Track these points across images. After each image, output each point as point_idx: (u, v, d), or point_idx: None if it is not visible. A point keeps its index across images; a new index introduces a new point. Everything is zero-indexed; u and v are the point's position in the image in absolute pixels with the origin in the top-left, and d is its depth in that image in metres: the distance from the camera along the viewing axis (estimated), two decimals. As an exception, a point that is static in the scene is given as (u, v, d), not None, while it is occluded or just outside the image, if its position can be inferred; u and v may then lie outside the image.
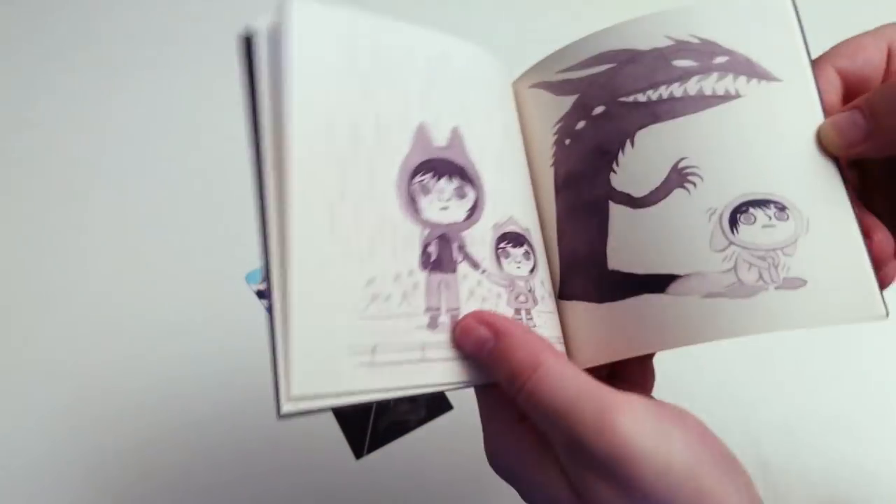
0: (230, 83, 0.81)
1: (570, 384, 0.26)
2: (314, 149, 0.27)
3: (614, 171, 0.31)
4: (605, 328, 0.30)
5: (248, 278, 0.62)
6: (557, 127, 0.33)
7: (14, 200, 0.70)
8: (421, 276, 0.28)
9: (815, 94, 0.31)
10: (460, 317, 0.28)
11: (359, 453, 0.53)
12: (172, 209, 0.68)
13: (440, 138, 0.30)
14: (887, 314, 0.28)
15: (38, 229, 0.67)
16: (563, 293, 0.32)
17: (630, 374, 0.35)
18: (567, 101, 0.33)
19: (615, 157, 0.31)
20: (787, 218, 0.29)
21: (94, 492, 0.53)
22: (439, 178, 0.30)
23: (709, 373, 0.55)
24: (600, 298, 0.31)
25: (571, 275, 0.32)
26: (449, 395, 0.55)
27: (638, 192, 0.30)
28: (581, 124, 0.32)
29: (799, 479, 0.51)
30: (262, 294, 0.61)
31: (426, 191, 0.29)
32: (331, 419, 0.55)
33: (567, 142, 0.32)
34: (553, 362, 0.26)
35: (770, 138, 0.30)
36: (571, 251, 0.32)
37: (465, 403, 0.55)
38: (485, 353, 0.28)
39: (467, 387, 0.29)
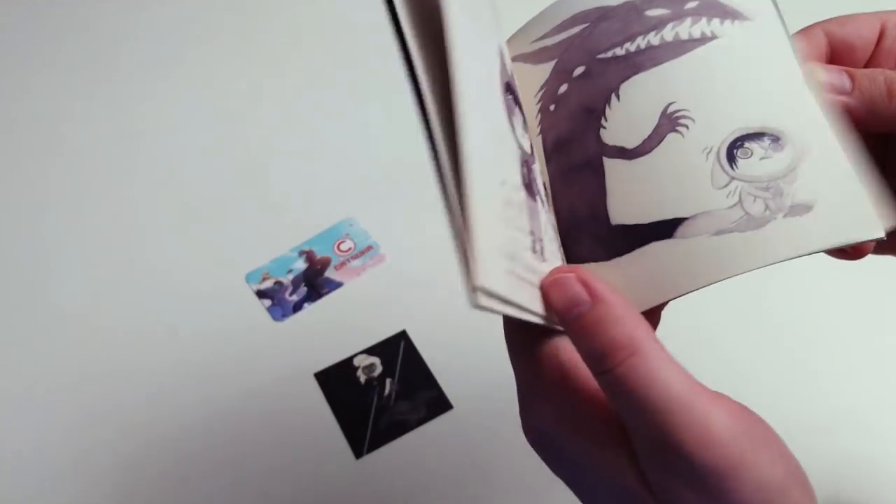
0: (231, 83, 0.82)
1: (670, 381, 0.23)
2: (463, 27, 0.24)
3: (603, 127, 0.31)
4: (617, 284, 0.29)
5: (248, 278, 0.62)
6: (540, 94, 0.33)
7: (13, 200, 0.70)
8: (523, 195, 0.26)
9: (785, 35, 0.31)
10: (545, 253, 0.26)
11: (359, 453, 0.53)
12: (173, 209, 0.68)
13: (506, 69, 0.29)
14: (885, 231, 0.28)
15: (37, 229, 0.67)
16: (569, 258, 0.32)
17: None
18: (546, 68, 0.33)
19: (602, 114, 0.31)
20: (783, 148, 0.29)
21: (94, 492, 0.53)
22: (517, 104, 0.28)
23: (707, 371, 0.55)
24: (608, 255, 0.30)
25: (574, 238, 0.32)
26: (449, 395, 0.55)
27: (630, 143, 0.30)
28: (563, 88, 0.32)
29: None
30: (262, 294, 0.61)
31: (511, 111, 0.27)
32: (331, 419, 0.55)
33: (552, 107, 0.32)
34: (652, 351, 0.24)
35: (753, 74, 0.30)
36: (571, 215, 0.32)
37: (466, 403, 0.55)
38: (573, 316, 0.25)
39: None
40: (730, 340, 0.57)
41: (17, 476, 0.53)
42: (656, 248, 0.29)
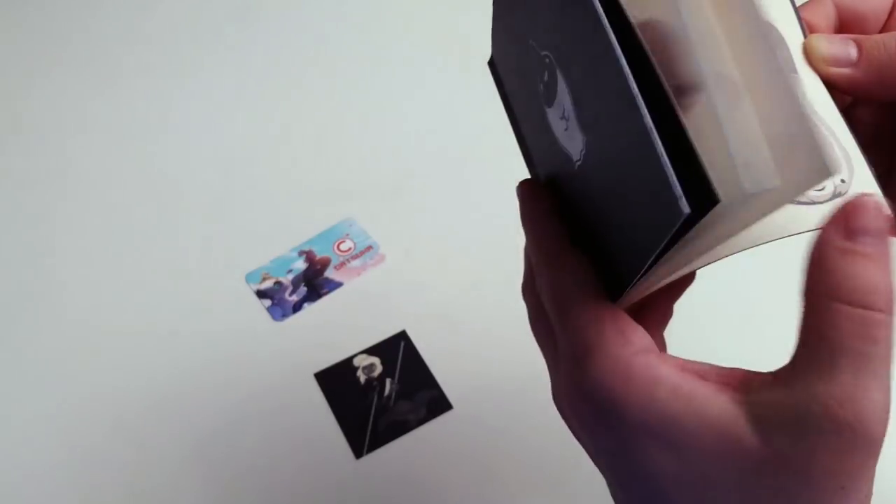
0: (231, 84, 0.82)
1: None
2: None
3: None
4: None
5: (248, 278, 0.62)
6: None
7: (13, 201, 0.70)
8: None
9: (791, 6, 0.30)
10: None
11: (359, 453, 0.53)
12: (172, 209, 0.68)
13: None
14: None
15: (36, 229, 0.67)
16: None
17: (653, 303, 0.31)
18: None
19: None
20: None
21: (94, 492, 0.53)
22: None
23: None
24: None
25: None
26: (449, 395, 0.55)
27: None
28: None
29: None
30: (262, 294, 0.61)
31: None
32: (331, 419, 0.55)
33: None
34: None
35: None
36: None
37: (466, 403, 0.55)
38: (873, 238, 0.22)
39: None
40: (721, 342, 0.57)
41: (18, 476, 0.53)
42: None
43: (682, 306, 0.33)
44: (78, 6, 0.85)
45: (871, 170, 0.29)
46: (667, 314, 0.32)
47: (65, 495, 0.52)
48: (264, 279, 0.62)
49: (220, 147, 0.72)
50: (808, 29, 0.30)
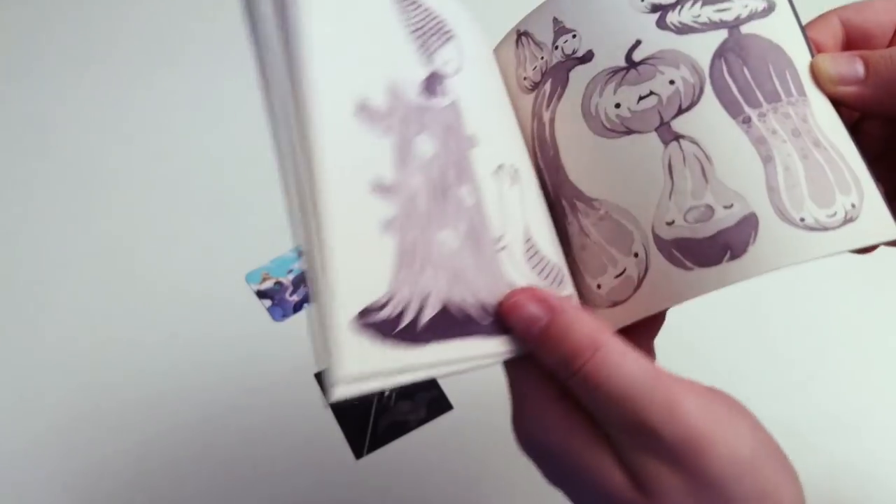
0: (231, 84, 0.82)
1: (635, 367, 0.25)
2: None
3: None
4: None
5: (249, 278, 0.62)
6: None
7: (12, 202, 0.70)
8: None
9: (797, 24, 0.31)
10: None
11: (359, 453, 0.53)
12: (172, 209, 0.68)
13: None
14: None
15: (35, 230, 0.67)
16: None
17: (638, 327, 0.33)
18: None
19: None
20: None
21: (94, 492, 0.53)
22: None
23: (705, 371, 0.55)
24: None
25: None
26: (449, 395, 0.55)
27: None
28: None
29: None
30: (262, 294, 0.61)
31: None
32: (331, 419, 0.55)
33: None
34: (614, 345, 0.25)
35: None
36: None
37: (466, 403, 0.55)
38: (535, 333, 0.26)
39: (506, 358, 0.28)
40: (721, 343, 0.57)
41: (18, 477, 0.53)
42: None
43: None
44: (76, 4, 0.85)
45: (881, 190, 0.29)
46: (658, 321, 0.33)
47: (65, 495, 0.52)
48: (264, 279, 0.62)
49: (220, 147, 0.72)
50: (815, 48, 0.30)
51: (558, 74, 0.32)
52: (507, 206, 0.30)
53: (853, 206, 0.28)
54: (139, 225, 0.67)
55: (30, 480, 0.53)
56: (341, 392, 0.22)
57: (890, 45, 0.31)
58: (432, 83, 0.29)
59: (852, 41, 0.31)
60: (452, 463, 0.52)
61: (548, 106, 0.33)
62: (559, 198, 0.32)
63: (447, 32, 0.31)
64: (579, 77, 0.32)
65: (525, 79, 0.34)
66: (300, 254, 0.24)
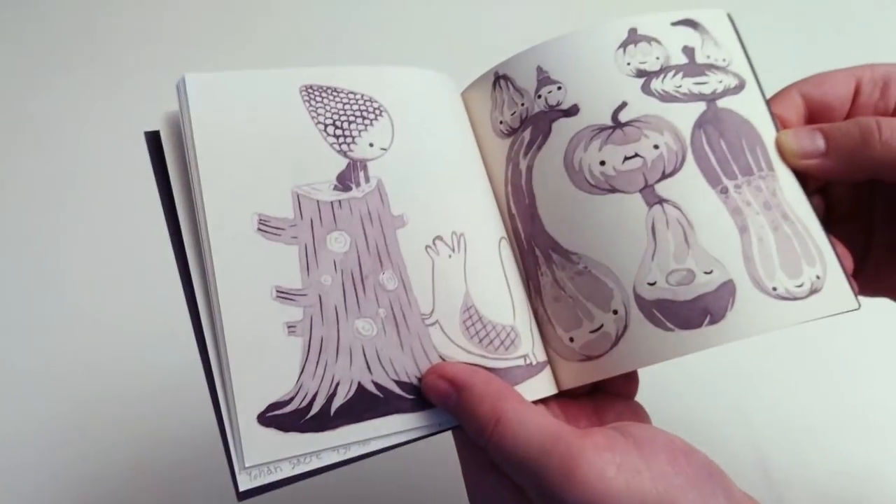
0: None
1: (531, 433, 0.25)
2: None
3: None
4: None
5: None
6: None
7: (14, 200, 0.70)
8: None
9: (763, 101, 0.32)
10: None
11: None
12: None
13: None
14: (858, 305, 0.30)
15: (37, 229, 0.67)
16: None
17: (612, 382, 0.34)
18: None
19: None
20: None
21: (94, 491, 0.53)
22: None
23: (706, 375, 0.55)
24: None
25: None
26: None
27: None
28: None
29: (803, 483, 0.51)
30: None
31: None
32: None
33: None
34: (512, 412, 0.26)
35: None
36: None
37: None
38: (451, 407, 0.28)
39: (431, 434, 0.29)
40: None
41: (19, 478, 0.54)
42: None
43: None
44: (79, 4, 0.85)
45: (842, 265, 0.30)
46: (631, 384, 0.34)
47: (64, 493, 0.53)
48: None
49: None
50: (779, 123, 0.32)
51: (540, 124, 0.32)
52: (442, 279, 0.30)
53: (818, 277, 0.29)
54: (139, 225, 0.67)
55: (30, 479, 0.53)
56: (246, 482, 0.25)
57: (848, 115, 0.32)
58: (349, 175, 0.30)
59: (814, 113, 0.32)
60: (452, 463, 0.52)
61: (525, 154, 0.33)
62: (532, 247, 0.32)
63: (374, 110, 0.32)
64: (563, 129, 0.32)
65: (501, 122, 0.34)
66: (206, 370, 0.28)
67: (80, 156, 0.73)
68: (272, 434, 0.26)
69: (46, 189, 0.70)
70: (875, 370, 0.56)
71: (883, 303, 0.58)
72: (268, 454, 0.25)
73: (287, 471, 0.26)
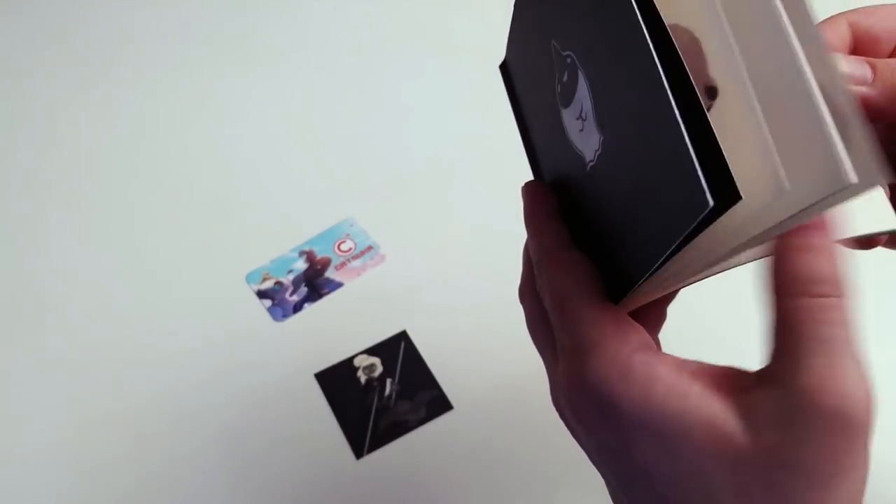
0: (231, 83, 0.82)
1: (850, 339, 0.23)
2: None
3: None
4: None
5: (248, 278, 0.62)
6: None
7: (12, 202, 0.70)
8: None
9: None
10: None
11: (359, 453, 0.53)
12: (172, 209, 0.68)
13: None
14: None
15: (36, 230, 0.67)
16: None
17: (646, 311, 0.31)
18: None
19: None
20: None
21: (94, 492, 0.53)
22: None
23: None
24: None
25: None
26: (449, 395, 0.55)
27: None
28: None
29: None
30: (262, 294, 0.61)
31: None
32: (331, 419, 0.55)
33: None
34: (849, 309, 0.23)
35: None
36: None
37: (466, 403, 0.55)
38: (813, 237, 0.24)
39: None
40: (721, 343, 0.57)
41: (19, 477, 0.53)
42: None
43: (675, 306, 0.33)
44: (75, 2, 0.85)
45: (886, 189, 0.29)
46: (661, 318, 0.33)
47: (63, 494, 0.52)
48: (265, 279, 0.62)
49: (220, 147, 0.72)
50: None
51: None
52: None
53: None
54: (139, 225, 0.67)
55: (30, 480, 0.53)
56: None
57: (894, 52, 0.31)
58: None
59: (860, 44, 0.32)
60: (452, 463, 0.52)
61: None
62: None
63: None
64: None
65: None
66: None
67: (79, 155, 0.73)
68: None
69: (47, 189, 0.70)
70: (875, 370, 0.56)
71: (883, 303, 0.58)
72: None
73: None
